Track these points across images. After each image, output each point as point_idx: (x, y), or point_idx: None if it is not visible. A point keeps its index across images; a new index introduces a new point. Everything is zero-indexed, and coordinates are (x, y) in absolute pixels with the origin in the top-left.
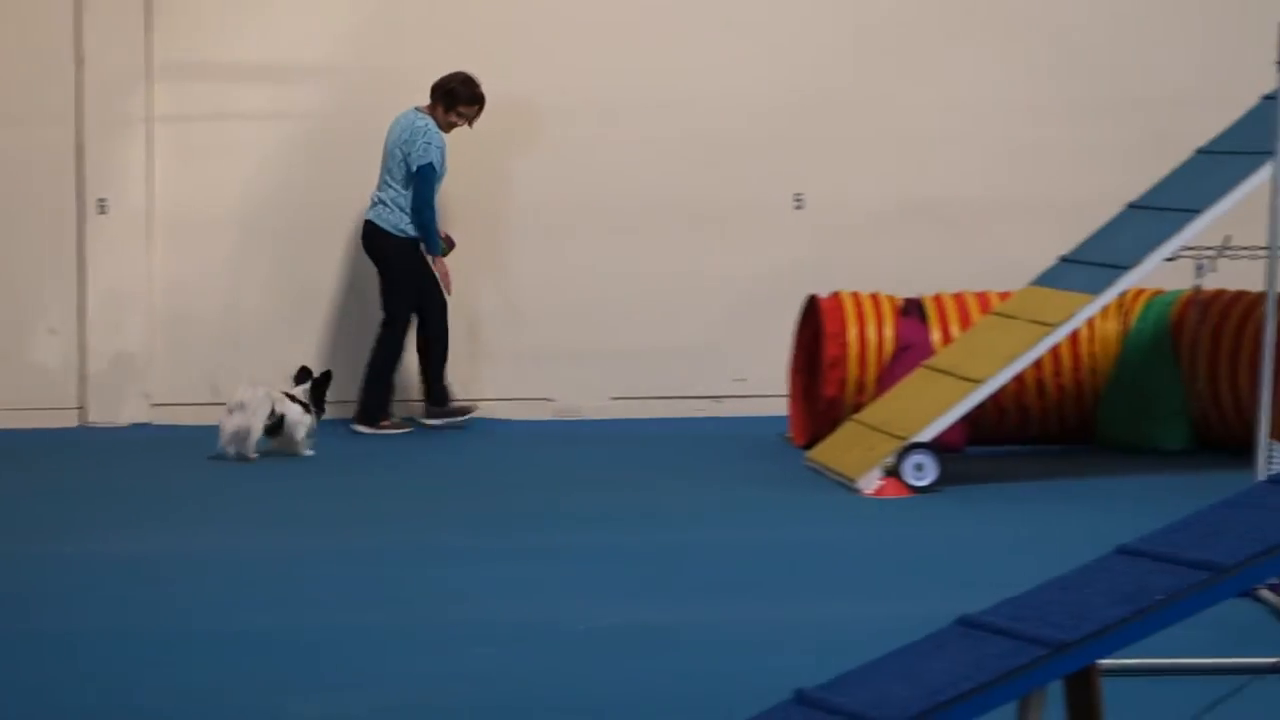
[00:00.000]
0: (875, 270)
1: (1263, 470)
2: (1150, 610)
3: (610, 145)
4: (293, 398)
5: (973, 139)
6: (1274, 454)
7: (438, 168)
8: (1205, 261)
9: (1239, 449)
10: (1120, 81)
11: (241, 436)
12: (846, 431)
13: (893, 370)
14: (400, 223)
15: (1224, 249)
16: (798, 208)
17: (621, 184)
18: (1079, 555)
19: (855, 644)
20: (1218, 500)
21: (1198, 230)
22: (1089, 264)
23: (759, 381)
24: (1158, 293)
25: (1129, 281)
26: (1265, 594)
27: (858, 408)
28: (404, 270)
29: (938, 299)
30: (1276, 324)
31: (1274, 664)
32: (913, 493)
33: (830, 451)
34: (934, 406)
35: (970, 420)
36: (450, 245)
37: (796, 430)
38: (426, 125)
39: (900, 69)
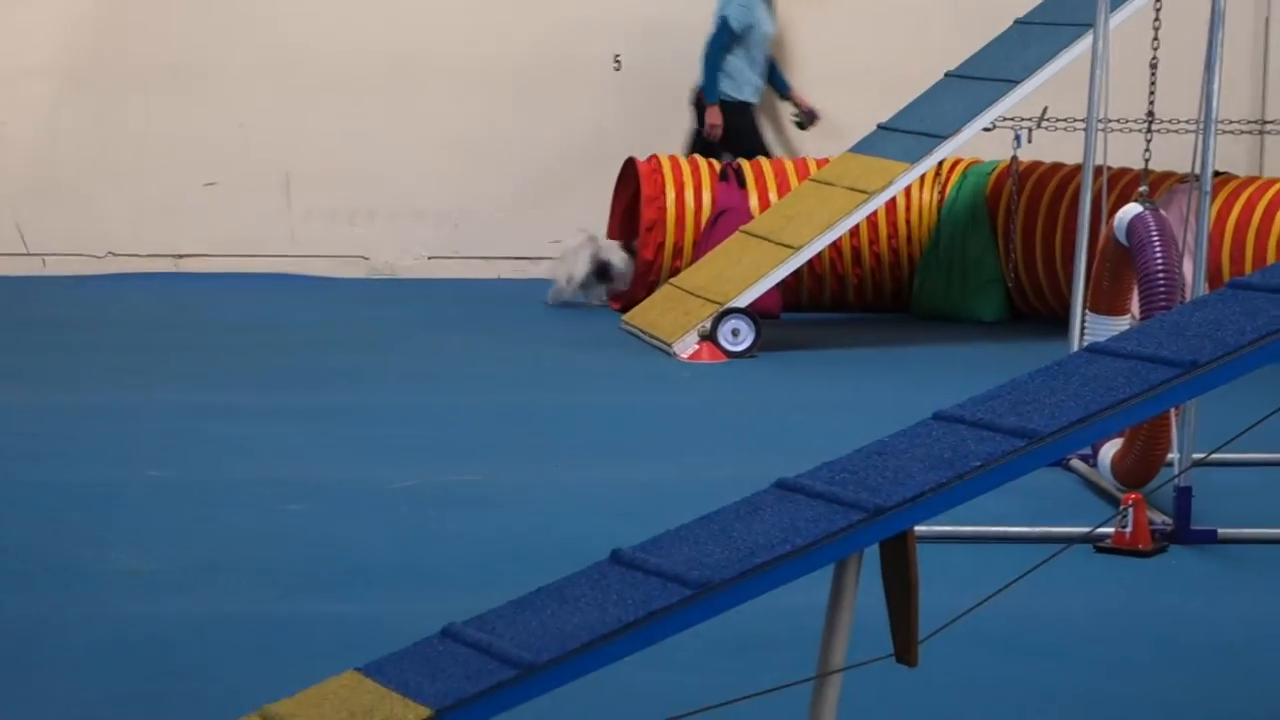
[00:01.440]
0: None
1: (1078, 340)
2: (967, 476)
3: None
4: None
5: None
6: (1090, 324)
7: (731, 22)
8: (1022, 132)
9: (1054, 319)
10: None
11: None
12: (663, 295)
13: (710, 235)
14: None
15: (1041, 120)
16: (616, 70)
17: (437, 42)
18: (895, 422)
19: (671, 506)
20: (1034, 369)
21: (1016, 101)
22: (907, 132)
23: None
24: (975, 162)
25: (946, 150)
26: (1077, 464)
27: (675, 272)
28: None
29: (756, 164)
30: (1093, 196)
31: (1086, 534)
32: (728, 357)
33: (646, 315)
34: (751, 272)
35: (787, 286)
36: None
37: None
38: None
39: None
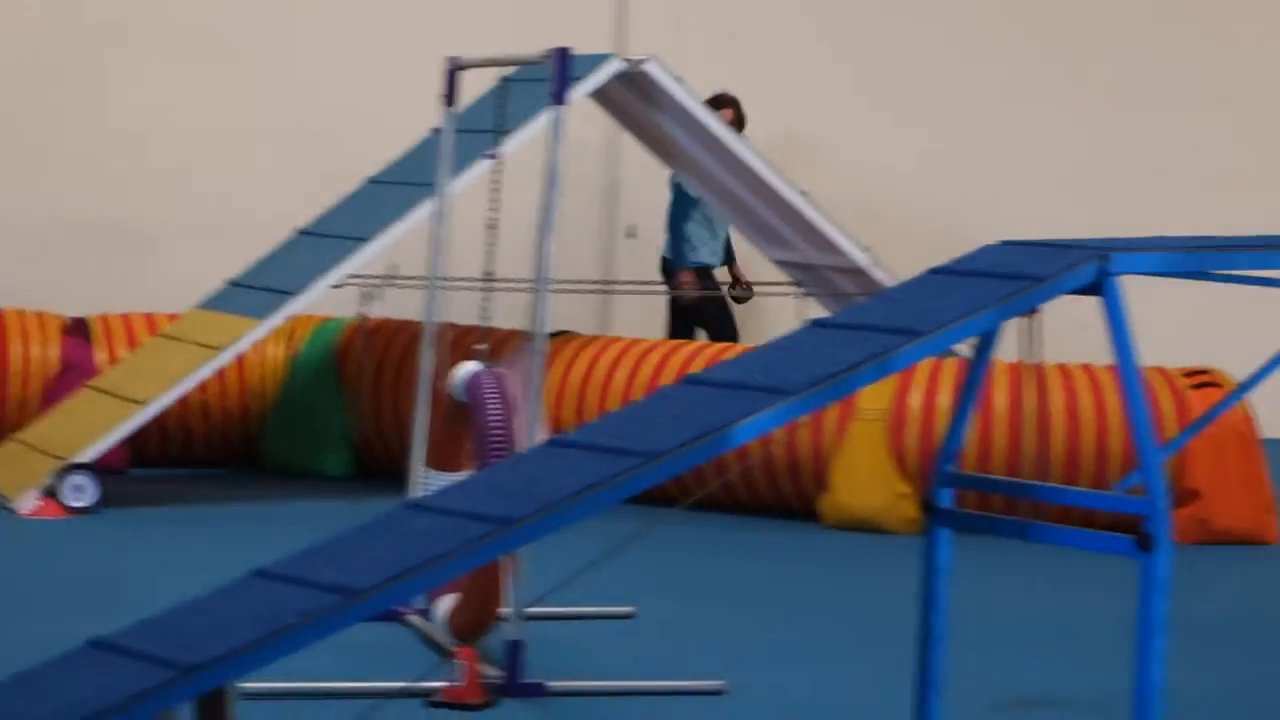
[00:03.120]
0: (43, 289)
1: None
2: (283, 632)
3: None
4: None
5: (145, 161)
6: (427, 480)
7: (686, 187)
8: (371, 290)
9: (401, 475)
10: (314, 109)
11: None
12: (7, 451)
13: (56, 390)
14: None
15: (389, 278)
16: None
17: None
18: (230, 578)
19: None
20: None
21: (366, 258)
22: (257, 289)
23: None
24: (327, 319)
25: (296, 307)
26: (414, 619)
27: (19, 426)
28: None
29: (105, 319)
30: (434, 354)
31: (408, 687)
32: (71, 513)
33: None
34: (96, 427)
35: (134, 442)
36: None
37: None
38: None
39: (66, 91)
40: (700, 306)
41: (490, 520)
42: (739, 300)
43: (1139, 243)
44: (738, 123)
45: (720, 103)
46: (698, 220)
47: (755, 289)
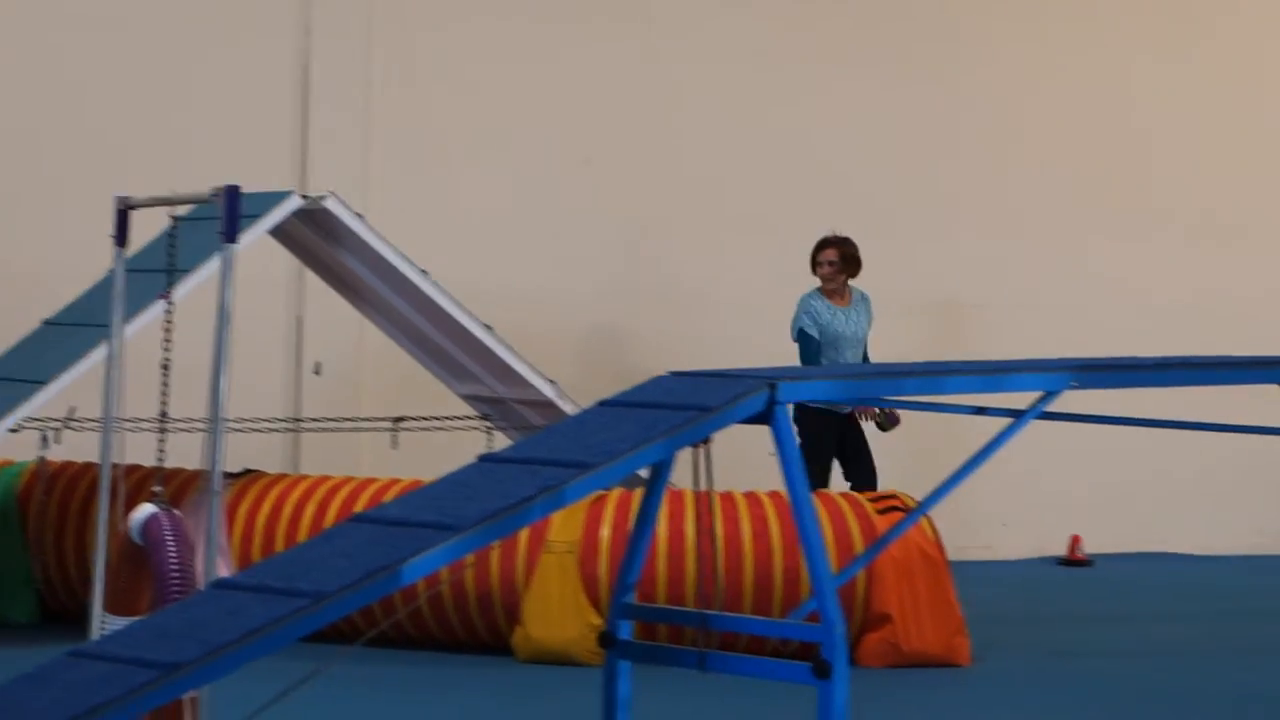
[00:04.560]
0: None
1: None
2: None
3: None
4: None
5: None
6: (105, 625)
7: (809, 330)
8: (50, 432)
9: (86, 620)
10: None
11: None
12: None
13: None
14: None
15: (68, 420)
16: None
17: None
18: None
19: None
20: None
21: (43, 401)
22: None
23: None
24: (6, 464)
25: None
26: None
27: None
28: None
29: None
30: (110, 496)
31: None
32: None
33: None
34: None
35: None
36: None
37: None
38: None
39: None
40: (841, 445)
41: (156, 666)
42: (883, 428)
43: (806, 372)
44: (845, 264)
45: (826, 244)
46: (830, 359)
47: (444, 422)
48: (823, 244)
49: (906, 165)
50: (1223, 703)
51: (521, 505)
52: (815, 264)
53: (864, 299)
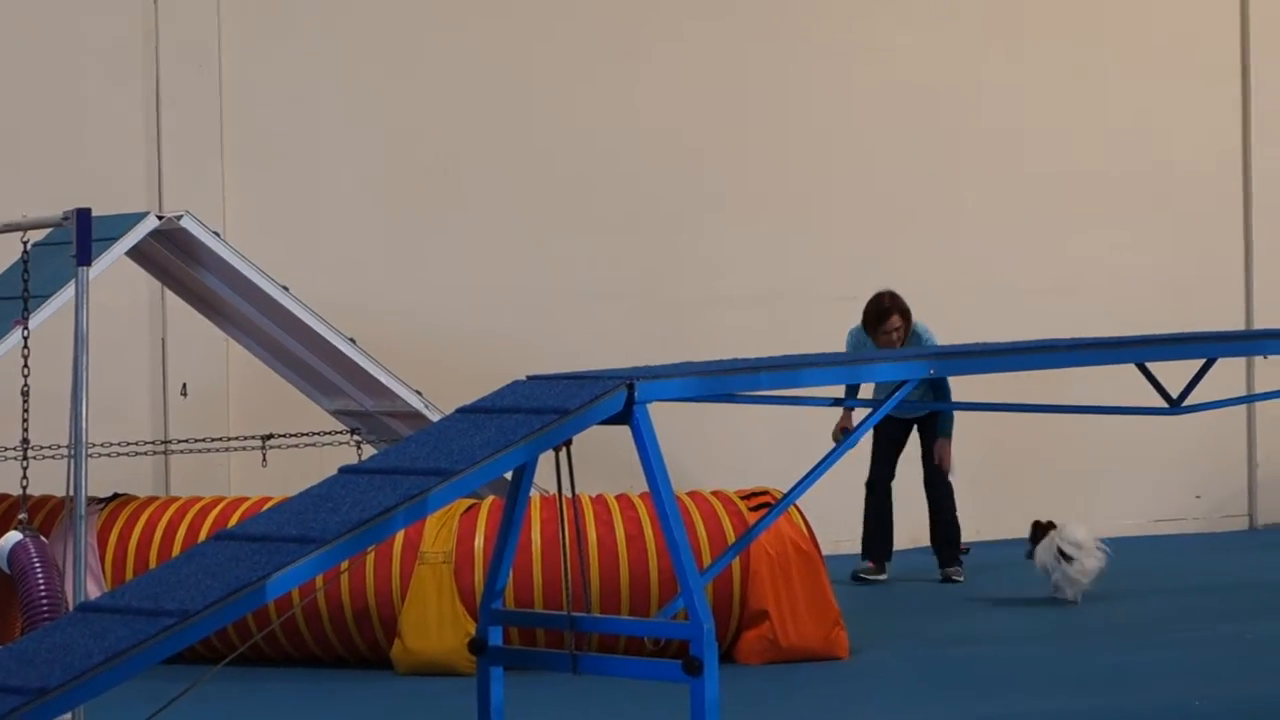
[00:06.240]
0: None
1: None
2: None
3: None
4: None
5: None
6: None
7: None
8: None
9: None
10: None
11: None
12: None
13: None
14: None
15: None
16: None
17: None
18: None
19: None
20: None
21: None
22: None
23: None
24: None
25: None
26: None
27: None
28: None
29: None
30: None
31: None
32: None
33: None
34: None
35: None
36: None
37: None
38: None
39: None
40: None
41: (22, 693)
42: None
43: (664, 370)
44: (907, 323)
45: (886, 312)
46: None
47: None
48: (883, 313)
49: (767, 158)
50: (1095, 684)
51: (384, 515)
52: (878, 333)
53: (916, 335)
